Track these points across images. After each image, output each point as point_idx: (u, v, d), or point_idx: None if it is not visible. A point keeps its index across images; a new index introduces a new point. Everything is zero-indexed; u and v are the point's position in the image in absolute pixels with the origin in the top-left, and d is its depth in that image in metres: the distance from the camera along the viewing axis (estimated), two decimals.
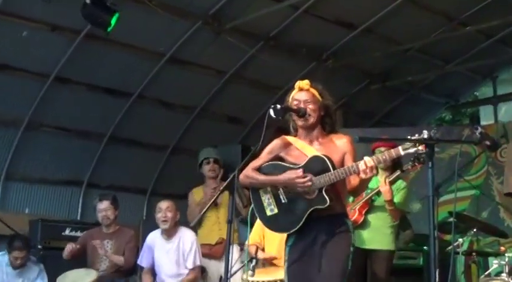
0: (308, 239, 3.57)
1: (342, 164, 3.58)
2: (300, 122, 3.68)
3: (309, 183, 3.50)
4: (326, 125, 3.73)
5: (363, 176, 3.38)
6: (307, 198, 3.54)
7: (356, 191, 3.67)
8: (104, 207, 5.86)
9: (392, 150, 3.29)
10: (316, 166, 3.55)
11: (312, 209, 3.52)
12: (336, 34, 8.04)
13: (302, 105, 3.67)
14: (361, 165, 3.36)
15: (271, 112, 3.53)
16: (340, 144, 3.65)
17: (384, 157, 3.33)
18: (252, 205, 3.75)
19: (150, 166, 8.48)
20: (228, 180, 3.77)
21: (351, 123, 8.93)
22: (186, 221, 6.01)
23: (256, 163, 3.71)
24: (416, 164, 5.15)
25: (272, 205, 3.66)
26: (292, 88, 3.77)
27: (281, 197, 3.64)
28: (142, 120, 8.06)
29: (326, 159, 3.53)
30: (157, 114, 8.13)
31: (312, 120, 3.67)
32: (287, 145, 3.72)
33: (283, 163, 3.68)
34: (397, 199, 5.21)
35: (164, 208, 5.72)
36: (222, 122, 8.73)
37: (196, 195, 6.23)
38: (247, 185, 3.72)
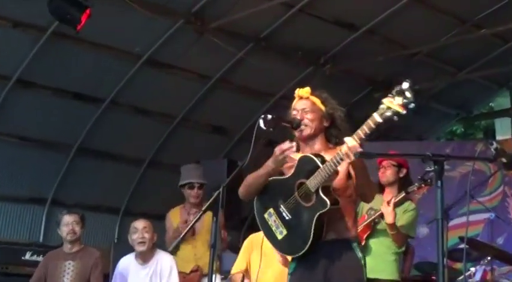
0: (308, 265, 3.58)
1: (349, 176, 3.59)
2: (296, 134, 3.71)
3: (292, 147, 3.53)
4: (332, 136, 3.73)
5: (347, 159, 3.37)
6: (307, 207, 3.55)
7: (363, 192, 3.64)
8: (72, 220, 5.81)
9: (368, 119, 3.28)
10: (306, 167, 3.57)
11: (316, 215, 3.50)
12: (334, 36, 8.08)
13: (299, 116, 3.69)
14: (343, 148, 3.36)
15: (261, 123, 3.52)
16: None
17: (364, 131, 3.32)
18: (263, 234, 3.75)
19: (123, 182, 8.45)
20: (212, 198, 3.76)
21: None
22: (163, 244, 6.00)
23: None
24: (423, 185, 5.15)
25: (280, 227, 3.68)
26: (293, 96, 3.80)
27: (284, 214, 3.66)
28: (116, 130, 8.04)
29: (313, 156, 3.54)
30: (132, 123, 8.12)
31: (308, 131, 3.68)
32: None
33: (276, 177, 3.70)
34: (402, 221, 5.21)
35: (141, 228, 5.68)
36: (205, 133, 8.73)
37: (173, 217, 6.22)
38: (247, 193, 3.74)
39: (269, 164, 3.65)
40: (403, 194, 5.17)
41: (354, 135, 3.34)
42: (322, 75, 8.25)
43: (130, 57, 7.54)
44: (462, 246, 5.85)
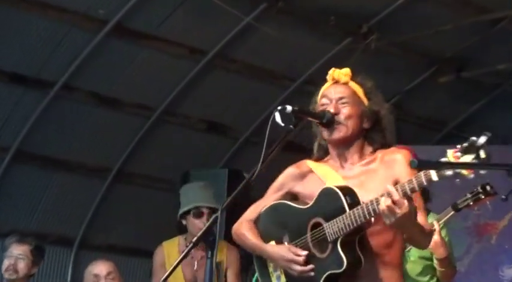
0: None
1: None
2: (325, 134, 3.68)
3: (311, 273, 3.60)
4: (373, 142, 3.73)
5: (386, 221, 3.38)
6: (318, 258, 3.60)
7: (415, 241, 3.67)
8: (17, 252, 5.84)
9: (421, 173, 3.32)
10: (328, 205, 3.59)
11: (326, 274, 3.55)
12: None
13: (332, 108, 3.66)
14: (382, 202, 3.36)
15: (278, 117, 3.52)
16: (389, 166, 3.63)
17: (412, 186, 3.34)
18: (256, 270, 3.86)
19: (80, 200, 8.46)
20: (206, 226, 3.75)
21: (405, 137, 8.88)
22: None
23: (256, 208, 3.82)
24: (481, 196, 5.11)
25: (279, 270, 3.75)
26: (322, 80, 3.79)
27: None
28: (70, 127, 8.06)
29: (339, 192, 3.53)
30: (93, 117, 8.13)
31: (342, 132, 3.66)
32: (305, 174, 3.76)
33: (290, 203, 3.75)
34: None
35: (104, 275, 5.70)
36: (197, 132, 8.74)
37: (169, 251, 6.16)
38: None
39: (268, 253, 3.77)
40: (451, 213, 5.15)
41: (398, 187, 3.37)
42: (365, 51, 8.23)
43: (91, 24, 7.54)
44: None
